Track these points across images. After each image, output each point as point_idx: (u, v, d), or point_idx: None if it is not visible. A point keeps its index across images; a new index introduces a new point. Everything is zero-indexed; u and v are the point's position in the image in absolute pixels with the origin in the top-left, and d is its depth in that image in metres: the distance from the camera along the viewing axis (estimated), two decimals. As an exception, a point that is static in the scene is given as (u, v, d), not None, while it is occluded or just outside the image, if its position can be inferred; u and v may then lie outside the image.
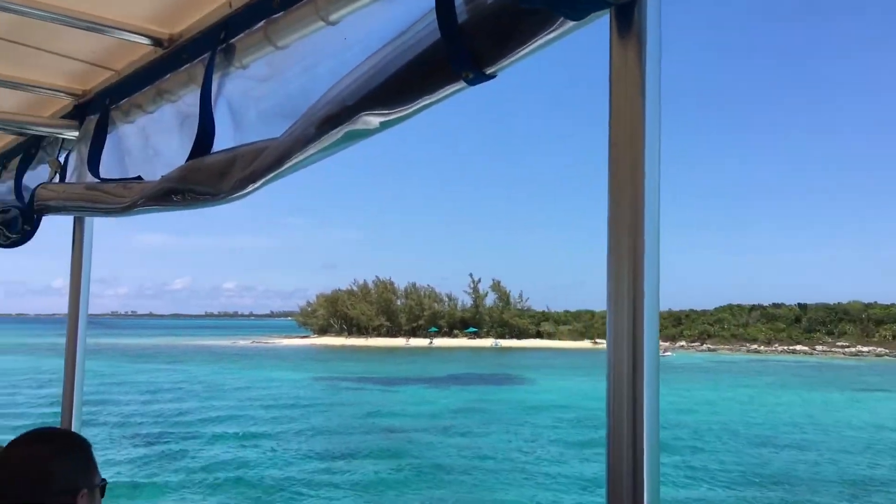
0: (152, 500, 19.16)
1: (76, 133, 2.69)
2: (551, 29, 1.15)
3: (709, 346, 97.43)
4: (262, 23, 1.80)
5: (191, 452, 24.81)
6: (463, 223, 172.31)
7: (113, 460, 22.38)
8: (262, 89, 1.91)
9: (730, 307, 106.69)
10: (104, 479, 1.93)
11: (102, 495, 1.93)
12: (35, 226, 2.87)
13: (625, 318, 1.11)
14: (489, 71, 1.23)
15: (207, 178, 1.89)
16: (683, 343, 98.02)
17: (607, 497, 1.12)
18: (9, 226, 2.93)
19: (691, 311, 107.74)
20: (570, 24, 1.12)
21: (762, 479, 22.97)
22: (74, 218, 2.96)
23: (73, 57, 2.42)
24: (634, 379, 1.09)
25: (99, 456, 1.95)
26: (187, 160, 1.99)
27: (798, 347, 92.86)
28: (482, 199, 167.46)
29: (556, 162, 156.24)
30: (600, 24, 1.16)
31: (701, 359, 79.01)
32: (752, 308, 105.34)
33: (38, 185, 2.78)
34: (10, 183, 2.98)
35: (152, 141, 2.38)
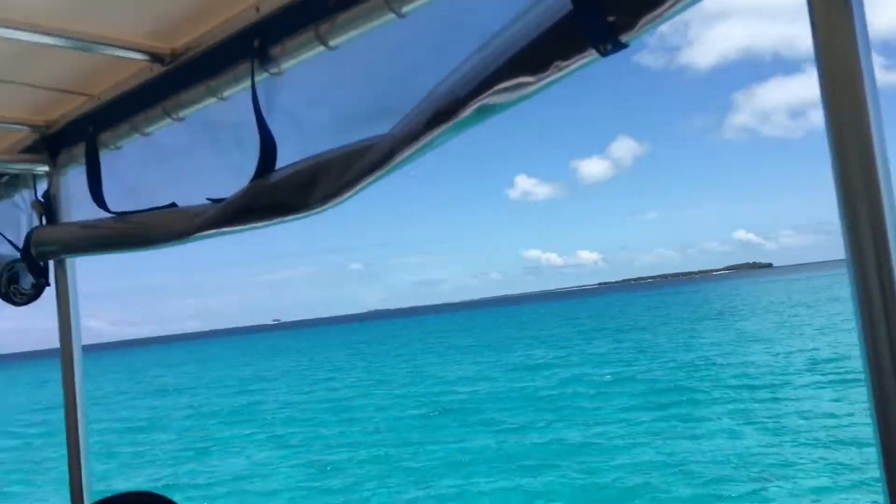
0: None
1: (46, 167, 2.43)
2: None
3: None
4: (311, 24, 1.68)
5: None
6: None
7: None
8: (319, 95, 1.75)
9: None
10: None
11: None
12: (47, 275, 2.59)
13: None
14: (625, 40, 1.16)
15: (291, 192, 1.79)
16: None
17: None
18: (18, 282, 2.64)
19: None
20: None
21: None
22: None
23: (36, 85, 2.12)
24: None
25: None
26: (255, 177, 1.87)
27: None
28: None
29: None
30: None
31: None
32: None
33: (34, 230, 2.49)
34: None
35: (174, 164, 2.12)
